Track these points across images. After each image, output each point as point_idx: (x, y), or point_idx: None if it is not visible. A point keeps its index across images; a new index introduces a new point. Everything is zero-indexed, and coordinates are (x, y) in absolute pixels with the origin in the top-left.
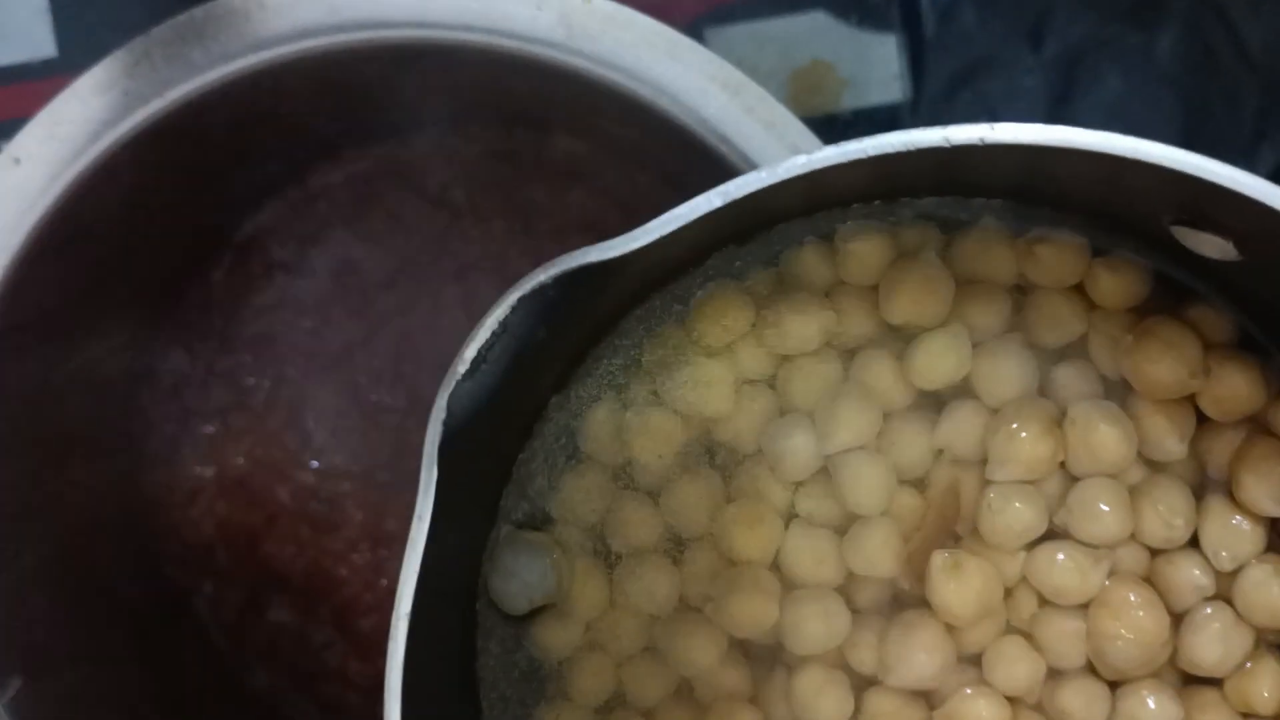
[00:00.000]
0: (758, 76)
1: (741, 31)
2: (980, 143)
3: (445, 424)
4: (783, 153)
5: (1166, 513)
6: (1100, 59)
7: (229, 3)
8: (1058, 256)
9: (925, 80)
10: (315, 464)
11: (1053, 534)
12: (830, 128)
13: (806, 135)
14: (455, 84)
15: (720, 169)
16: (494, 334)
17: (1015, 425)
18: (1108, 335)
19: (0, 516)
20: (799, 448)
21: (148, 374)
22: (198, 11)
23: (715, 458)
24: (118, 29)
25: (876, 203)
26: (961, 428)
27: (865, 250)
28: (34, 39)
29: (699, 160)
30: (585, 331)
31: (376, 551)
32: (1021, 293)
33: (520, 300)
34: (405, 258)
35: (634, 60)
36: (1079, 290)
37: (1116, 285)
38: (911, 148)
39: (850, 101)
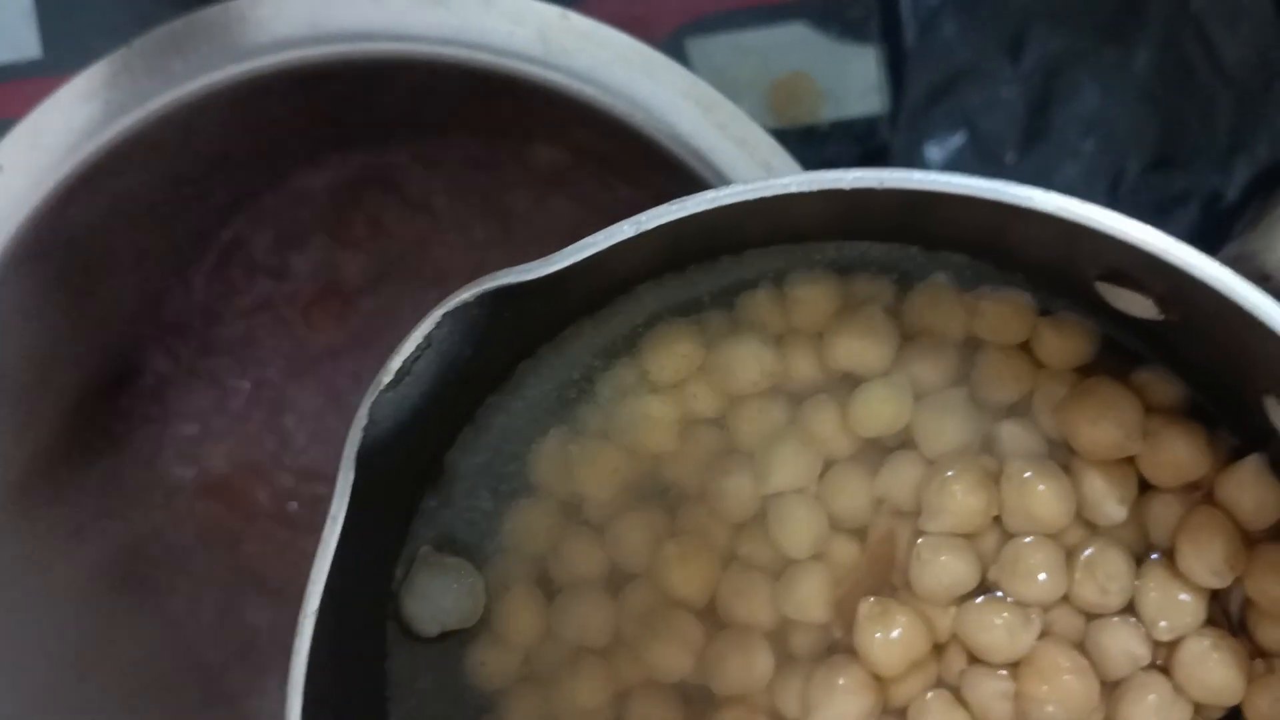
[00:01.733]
0: (738, 87)
1: (722, 42)
2: (878, 186)
3: (365, 430)
4: (754, 169)
5: (1103, 577)
6: (1079, 72)
7: (210, 15)
8: (1004, 313)
9: (904, 91)
10: (294, 465)
11: (986, 590)
12: (809, 139)
13: (778, 152)
14: (435, 95)
15: (693, 183)
16: (419, 347)
17: (950, 476)
18: (1052, 395)
19: None
20: (739, 488)
21: (129, 375)
22: (179, 23)
23: (666, 493)
24: (104, 32)
25: (835, 242)
26: (900, 477)
27: (814, 297)
28: (19, 40)
29: (674, 173)
30: (518, 352)
31: None
32: (972, 348)
33: (445, 316)
34: (386, 263)
35: (610, 76)
36: (1026, 348)
37: (1061, 345)
38: (809, 188)
39: (829, 113)
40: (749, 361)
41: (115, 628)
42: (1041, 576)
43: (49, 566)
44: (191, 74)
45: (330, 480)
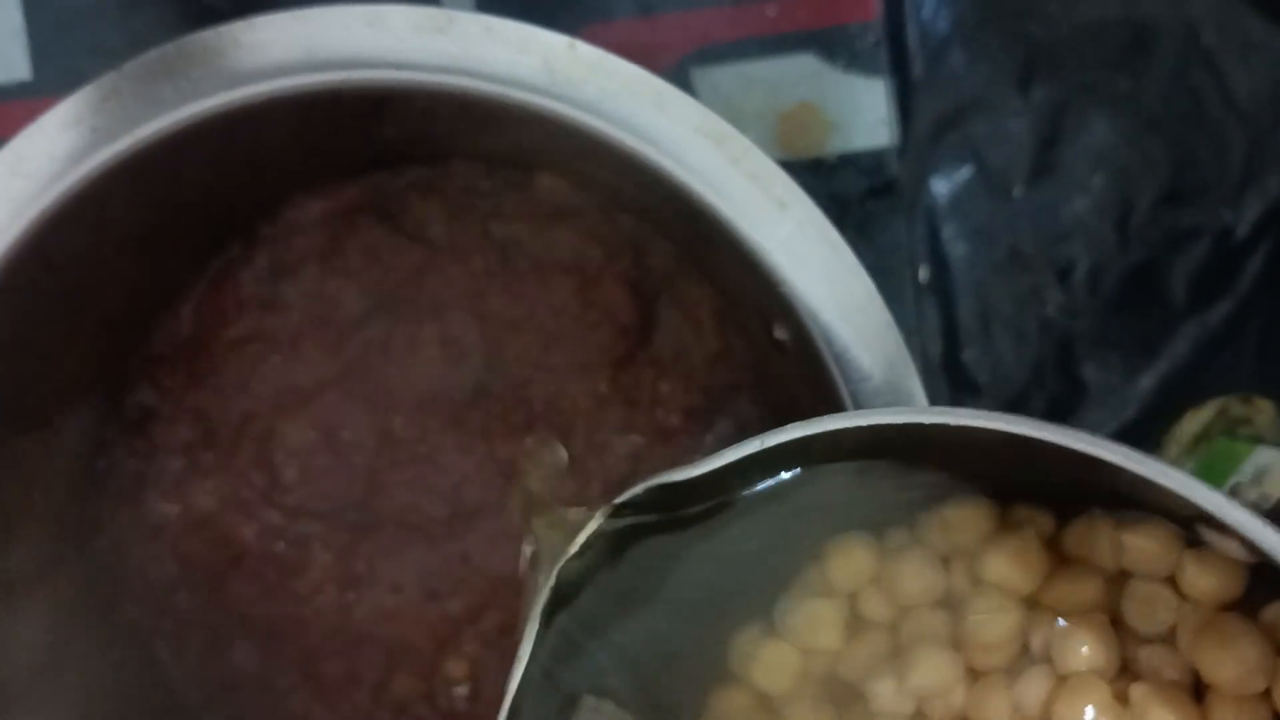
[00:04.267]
0: (744, 117)
1: (729, 72)
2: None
3: (553, 590)
4: (768, 206)
5: None
6: (1088, 104)
7: (204, 39)
8: (1150, 547)
9: (912, 122)
10: (283, 503)
11: None
12: (816, 171)
13: (791, 188)
14: (435, 122)
15: (703, 217)
16: (592, 536)
17: (1076, 693)
18: (1193, 624)
19: None
20: (889, 689)
21: (114, 408)
22: (170, 47)
23: (839, 690)
24: (95, 53)
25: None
26: (1031, 691)
27: (969, 520)
28: (9, 61)
29: (683, 206)
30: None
31: (344, 594)
32: (1125, 577)
33: (614, 505)
34: (381, 294)
35: (618, 107)
36: (1172, 581)
37: (1202, 579)
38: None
39: (837, 145)
40: (925, 579)
41: (91, 662)
42: None
43: (25, 596)
44: (183, 99)
45: (321, 517)
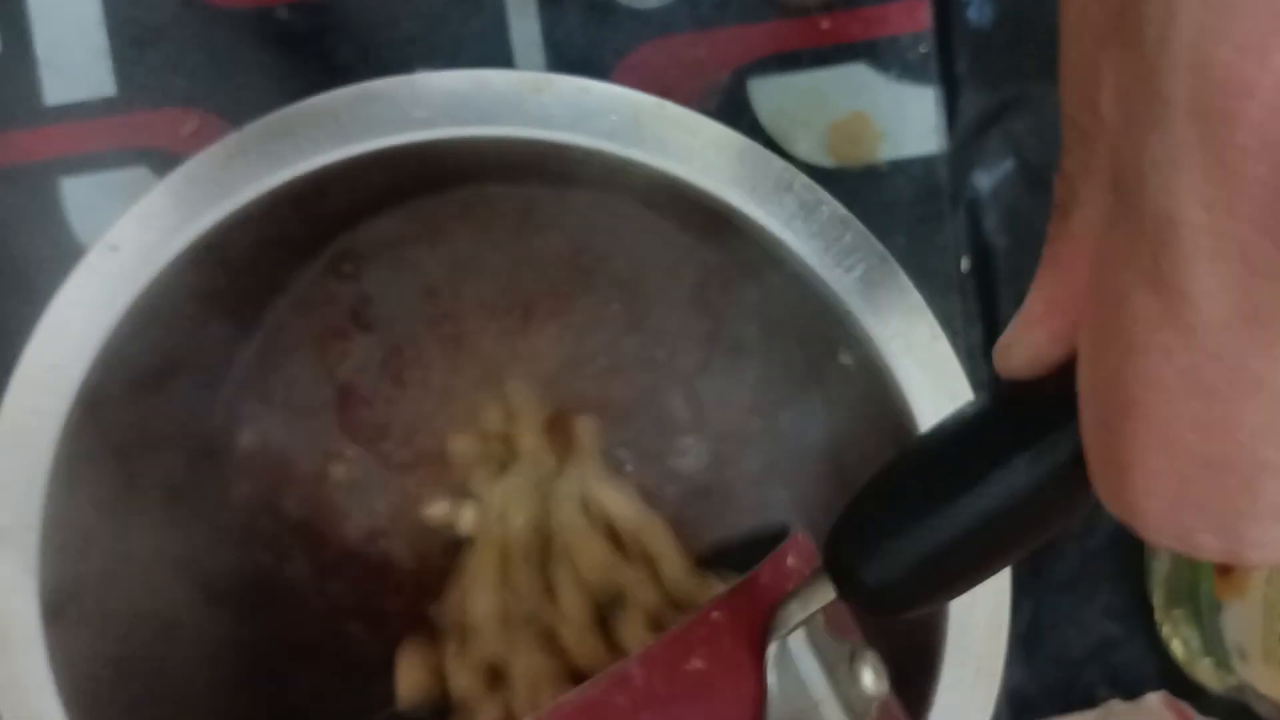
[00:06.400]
0: (798, 127)
1: (783, 83)
2: None
3: None
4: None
5: None
6: None
7: (321, 102)
8: None
9: (957, 118)
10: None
11: None
12: (868, 178)
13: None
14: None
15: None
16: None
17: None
18: None
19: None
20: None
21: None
22: (290, 110)
23: None
24: (176, 71)
25: None
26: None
27: None
28: (96, 79)
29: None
30: None
31: None
32: None
33: None
34: None
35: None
36: None
37: None
38: None
39: (888, 153)
40: None
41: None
42: None
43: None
44: (302, 157)
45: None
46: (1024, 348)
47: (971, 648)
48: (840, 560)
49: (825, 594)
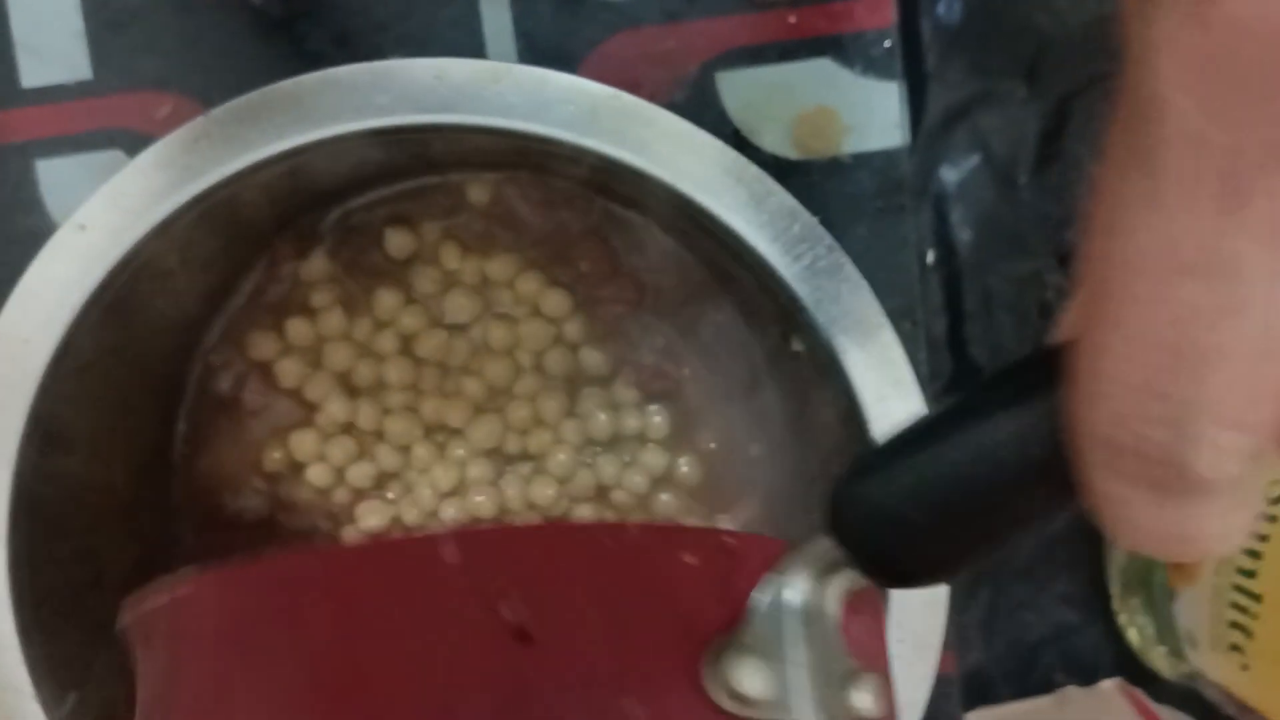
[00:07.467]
0: (764, 119)
1: (750, 76)
2: None
3: None
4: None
5: None
6: (1094, 97)
7: (284, 88)
8: None
9: (924, 114)
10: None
11: None
12: (832, 171)
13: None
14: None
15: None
16: None
17: None
18: None
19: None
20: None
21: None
22: (255, 95)
23: None
24: (151, 53)
25: None
26: None
27: None
28: (71, 62)
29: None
30: None
31: None
32: None
33: None
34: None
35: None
36: None
37: None
38: None
39: (852, 146)
40: None
41: None
42: None
43: None
44: (266, 140)
45: None
46: None
47: (909, 624)
48: (841, 509)
49: (826, 552)
